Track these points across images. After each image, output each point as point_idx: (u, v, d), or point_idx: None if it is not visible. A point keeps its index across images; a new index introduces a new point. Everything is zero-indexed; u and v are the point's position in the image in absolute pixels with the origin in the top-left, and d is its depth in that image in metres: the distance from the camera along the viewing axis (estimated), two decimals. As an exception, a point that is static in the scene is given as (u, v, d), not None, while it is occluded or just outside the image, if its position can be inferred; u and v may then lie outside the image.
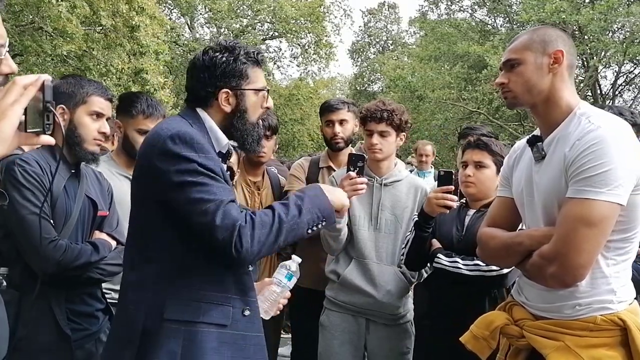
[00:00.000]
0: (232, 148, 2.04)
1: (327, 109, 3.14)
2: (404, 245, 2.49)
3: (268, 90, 1.75)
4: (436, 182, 2.39)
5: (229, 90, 1.65)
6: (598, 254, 1.52)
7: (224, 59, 1.65)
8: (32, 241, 1.80)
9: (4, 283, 1.85)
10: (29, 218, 1.81)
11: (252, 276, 1.69)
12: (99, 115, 2.03)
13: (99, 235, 2.08)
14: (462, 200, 2.45)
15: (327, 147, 3.23)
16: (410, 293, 2.71)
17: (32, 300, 1.72)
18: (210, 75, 1.64)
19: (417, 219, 2.40)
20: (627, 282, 1.60)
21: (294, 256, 1.85)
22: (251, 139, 1.71)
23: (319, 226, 1.60)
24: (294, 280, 1.84)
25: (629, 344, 1.52)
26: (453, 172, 2.39)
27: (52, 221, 1.89)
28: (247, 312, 1.60)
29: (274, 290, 1.79)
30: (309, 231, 1.58)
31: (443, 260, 2.30)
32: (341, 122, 3.06)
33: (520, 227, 1.86)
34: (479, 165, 2.34)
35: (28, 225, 1.81)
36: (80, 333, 1.96)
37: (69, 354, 1.91)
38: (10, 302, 1.77)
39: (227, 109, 1.66)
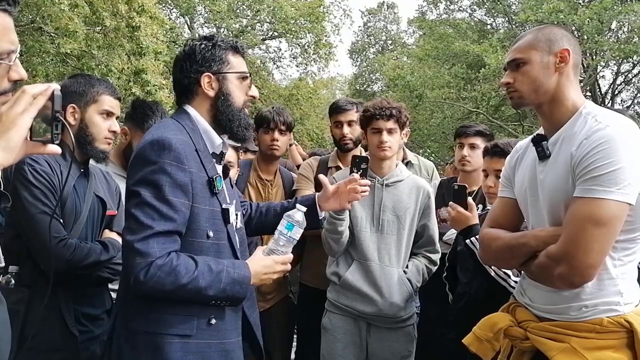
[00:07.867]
0: (229, 147, 2.02)
1: (335, 110, 3.13)
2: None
3: (250, 75, 1.78)
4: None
5: (210, 74, 1.69)
6: (607, 254, 1.50)
7: (203, 45, 1.70)
8: (41, 240, 1.81)
9: (13, 281, 1.87)
10: (38, 217, 1.82)
11: None
12: (109, 114, 2.05)
13: (108, 234, 2.09)
14: (487, 209, 2.44)
15: (335, 147, 3.22)
16: (415, 297, 2.68)
17: (43, 300, 1.72)
18: (192, 62, 1.69)
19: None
20: (634, 284, 1.59)
21: (298, 205, 1.77)
22: (238, 124, 1.72)
23: (221, 304, 1.59)
24: (297, 231, 1.69)
25: (635, 346, 1.50)
26: (466, 186, 2.36)
27: (61, 220, 1.89)
28: (213, 321, 1.60)
29: (277, 242, 1.69)
30: (211, 303, 1.57)
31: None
32: (349, 123, 3.05)
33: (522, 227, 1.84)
34: (500, 174, 2.31)
35: (38, 224, 1.82)
36: (85, 335, 1.96)
37: (76, 353, 1.91)
38: (22, 301, 1.80)
39: (211, 92, 1.70)
